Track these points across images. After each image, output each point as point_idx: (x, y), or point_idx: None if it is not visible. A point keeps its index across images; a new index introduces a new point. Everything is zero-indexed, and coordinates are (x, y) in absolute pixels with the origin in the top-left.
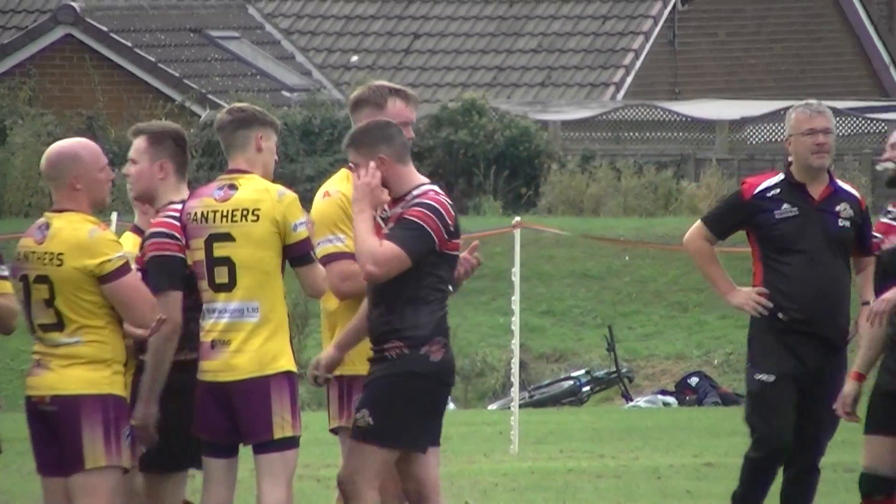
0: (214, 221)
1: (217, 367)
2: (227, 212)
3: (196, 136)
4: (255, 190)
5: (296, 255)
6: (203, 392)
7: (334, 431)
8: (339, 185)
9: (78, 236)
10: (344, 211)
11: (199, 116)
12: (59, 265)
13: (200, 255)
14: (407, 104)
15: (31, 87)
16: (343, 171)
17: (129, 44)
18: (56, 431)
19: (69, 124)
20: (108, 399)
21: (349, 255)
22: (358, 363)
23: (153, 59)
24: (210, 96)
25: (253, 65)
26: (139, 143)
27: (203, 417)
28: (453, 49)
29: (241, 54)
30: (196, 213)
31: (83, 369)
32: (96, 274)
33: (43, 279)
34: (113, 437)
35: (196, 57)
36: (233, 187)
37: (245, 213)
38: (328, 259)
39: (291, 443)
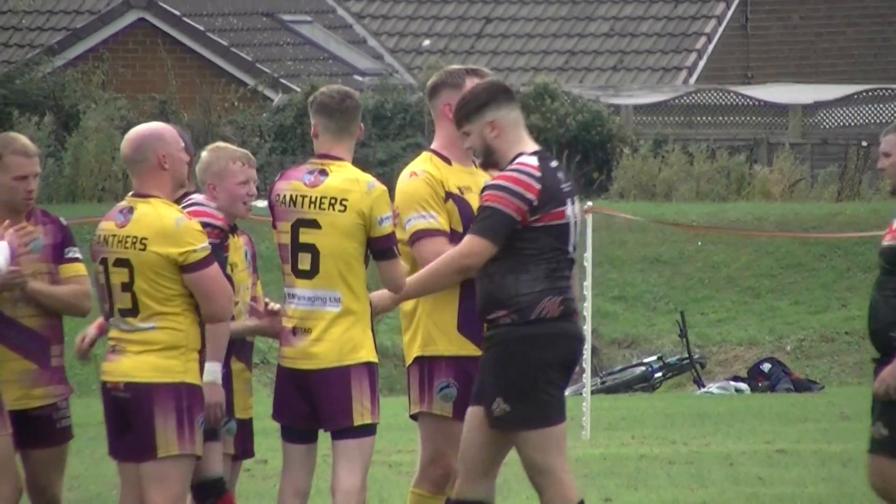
0: (302, 206)
1: (297, 355)
2: (316, 198)
3: (269, 121)
4: (346, 179)
5: (379, 248)
6: (282, 378)
7: (414, 417)
8: (424, 166)
9: (164, 223)
10: (433, 189)
11: (272, 101)
12: (143, 249)
13: (286, 238)
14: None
15: (103, 71)
16: (426, 154)
17: (202, 28)
18: (129, 418)
19: (142, 109)
20: (182, 387)
21: (441, 233)
22: (440, 344)
23: (225, 44)
24: (282, 80)
25: (325, 49)
26: None
27: (282, 403)
28: (525, 33)
29: (313, 38)
30: (285, 196)
31: (157, 356)
32: (180, 263)
33: (123, 262)
34: (186, 425)
35: (268, 41)
36: (324, 173)
37: (333, 201)
38: (420, 235)
39: (369, 430)
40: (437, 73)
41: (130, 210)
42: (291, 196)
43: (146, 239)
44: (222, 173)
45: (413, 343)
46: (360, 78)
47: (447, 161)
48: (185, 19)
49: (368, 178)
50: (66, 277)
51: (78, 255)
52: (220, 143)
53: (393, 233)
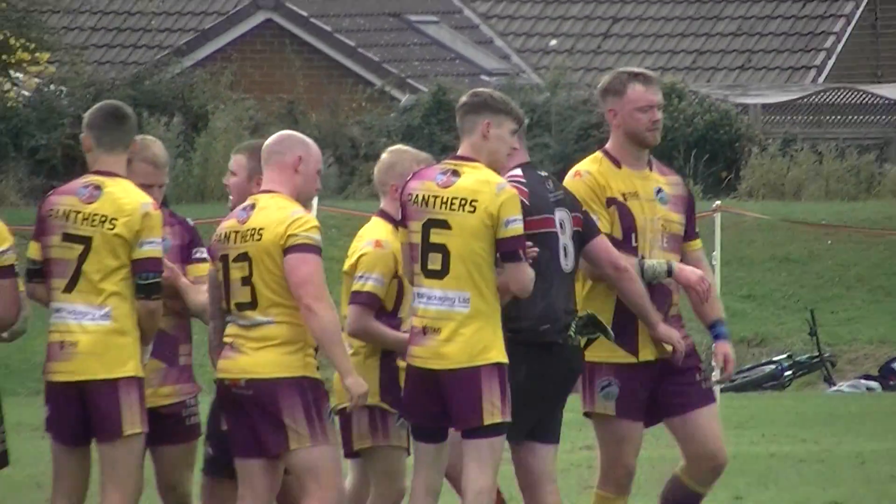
0: (434, 207)
1: (427, 354)
2: (447, 199)
3: (396, 121)
4: (477, 180)
5: (504, 250)
6: (412, 377)
7: (587, 415)
8: (590, 167)
9: (281, 214)
10: (594, 192)
11: (399, 101)
12: (259, 239)
13: (416, 238)
14: (647, 87)
15: (231, 71)
16: (597, 154)
17: (329, 28)
18: (253, 415)
19: (270, 109)
20: (304, 381)
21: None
22: (595, 349)
23: (353, 44)
24: (409, 81)
25: (451, 49)
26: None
27: (412, 402)
28: (652, 33)
29: (440, 39)
30: (417, 196)
31: (276, 352)
32: (283, 245)
33: (243, 256)
34: (315, 417)
35: (395, 41)
36: (456, 174)
37: (463, 202)
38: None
39: (500, 429)
40: (606, 77)
41: (252, 206)
42: (423, 196)
43: (263, 229)
44: (407, 175)
45: None
46: (486, 78)
47: (617, 164)
48: (312, 20)
49: (499, 179)
50: (194, 278)
51: (205, 256)
52: (402, 146)
53: (520, 236)
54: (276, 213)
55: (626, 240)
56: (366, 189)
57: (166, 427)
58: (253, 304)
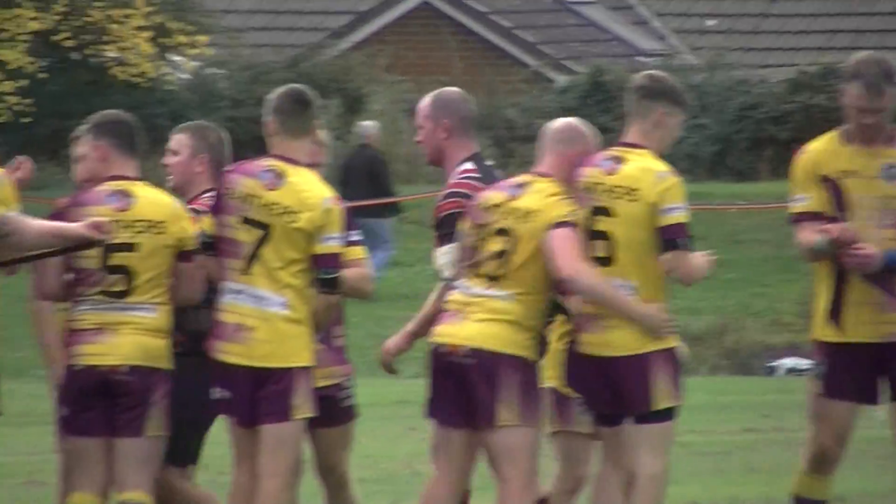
0: (598, 194)
1: (595, 341)
2: (610, 187)
3: (552, 103)
4: (639, 168)
5: (664, 238)
6: (583, 364)
7: None
8: (813, 143)
9: (549, 200)
10: (805, 170)
11: (555, 82)
12: (527, 221)
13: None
14: (861, 92)
15: (388, 54)
16: (834, 131)
17: (485, 10)
18: (467, 384)
19: (426, 91)
20: (525, 361)
21: (811, 216)
22: (817, 329)
23: (508, 25)
24: (565, 62)
25: (608, 30)
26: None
27: (585, 389)
28: (811, 13)
29: (596, 20)
30: (582, 183)
31: (506, 328)
32: (548, 223)
33: (505, 232)
34: (529, 398)
35: (551, 23)
36: (620, 161)
37: (625, 191)
38: (794, 218)
39: (670, 413)
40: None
41: (523, 185)
42: (588, 184)
43: (537, 211)
44: None
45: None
46: (643, 59)
47: (847, 140)
48: (467, 2)
49: (661, 167)
50: (346, 261)
51: (357, 239)
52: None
53: (680, 224)
54: (545, 197)
55: (839, 218)
56: (522, 171)
57: (323, 409)
58: (499, 280)
